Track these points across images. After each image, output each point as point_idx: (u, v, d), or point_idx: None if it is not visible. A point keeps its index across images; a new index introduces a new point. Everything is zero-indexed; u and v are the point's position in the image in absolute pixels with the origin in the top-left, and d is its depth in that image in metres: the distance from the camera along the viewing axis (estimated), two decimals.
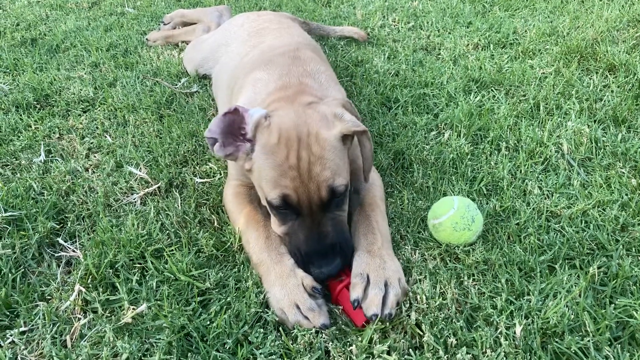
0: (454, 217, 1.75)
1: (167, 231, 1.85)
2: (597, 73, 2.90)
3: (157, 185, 2.07)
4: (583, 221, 1.87)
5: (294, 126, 1.63)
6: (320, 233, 1.61)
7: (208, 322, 1.49)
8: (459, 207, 1.77)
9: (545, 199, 2.00)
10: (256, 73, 2.10)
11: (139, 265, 1.71)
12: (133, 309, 1.54)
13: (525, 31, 3.53)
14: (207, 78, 2.98)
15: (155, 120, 2.54)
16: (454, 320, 1.49)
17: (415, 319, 1.49)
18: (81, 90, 2.79)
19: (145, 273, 1.68)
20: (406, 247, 1.78)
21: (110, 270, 1.68)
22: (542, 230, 1.83)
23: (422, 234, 1.84)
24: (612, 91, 2.72)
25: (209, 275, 1.65)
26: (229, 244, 1.79)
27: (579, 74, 2.92)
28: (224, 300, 1.56)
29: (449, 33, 3.60)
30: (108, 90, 2.80)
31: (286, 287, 1.55)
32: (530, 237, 1.79)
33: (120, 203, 2.01)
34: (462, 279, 1.64)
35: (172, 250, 1.76)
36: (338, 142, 1.66)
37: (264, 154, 1.62)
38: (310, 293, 1.54)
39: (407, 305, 1.54)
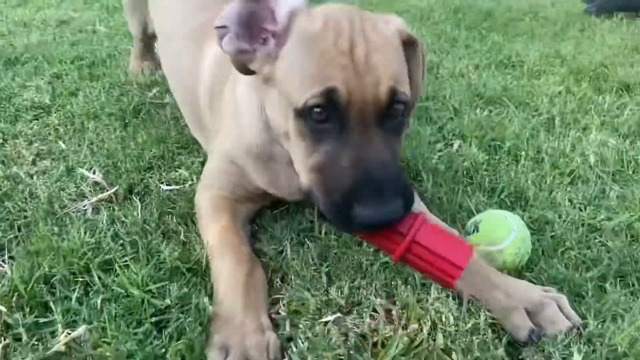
0: (516, 241, 1.36)
1: (122, 240, 1.47)
2: (610, 92, 2.67)
3: (113, 190, 1.71)
4: (629, 235, 1.57)
5: (343, 14, 1.20)
6: (373, 157, 1.10)
7: (162, 350, 1.11)
8: (518, 228, 1.39)
9: (580, 211, 1.69)
10: None
11: (81, 280, 1.33)
12: (68, 333, 1.16)
13: (527, 54, 3.32)
14: None
15: (119, 127, 2.19)
16: (490, 347, 1.13)
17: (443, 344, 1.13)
18: (35, 96, 2.43)
19: (89, 289, 1.30)
20: None
21: (44, 287, 1.30)
22: (582, 244, 1.51)
23: None
24: (630, 109, 2.47)
25: (169, 291, 1.27)
26: (196, 257, 1.42)
27: (591, 93, 2.68)
28: (183, 320, 1.18)
29: (447, 54, 3.37)
30: (68, 97, 2.46)
31: (245, 343, 1.11)
32: (570, 251, 1.46)
33: (67, 210, 1.64)
34: None
35: (126, 261, 1.38)
36: (398, 42, 1.23)
37: (301, 44, 1.18)
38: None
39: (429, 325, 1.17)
